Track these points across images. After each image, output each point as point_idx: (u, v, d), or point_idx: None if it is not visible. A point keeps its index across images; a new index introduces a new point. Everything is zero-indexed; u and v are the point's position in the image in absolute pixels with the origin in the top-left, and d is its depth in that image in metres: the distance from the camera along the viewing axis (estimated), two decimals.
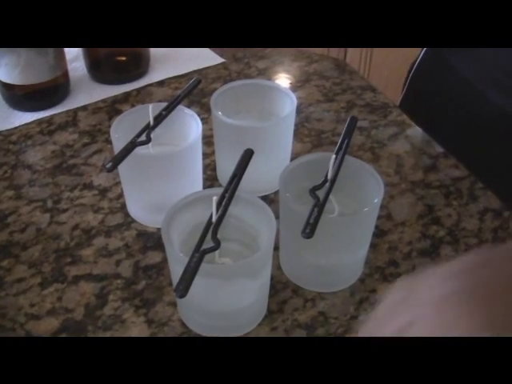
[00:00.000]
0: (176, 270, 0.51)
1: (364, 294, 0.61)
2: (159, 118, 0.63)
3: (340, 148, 0.58)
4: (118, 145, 0.60)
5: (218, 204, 0.52)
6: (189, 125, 0.65)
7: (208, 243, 0.50)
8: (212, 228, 0.50)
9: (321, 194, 0.54)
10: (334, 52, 1.93)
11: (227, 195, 0.53)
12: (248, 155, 0.57)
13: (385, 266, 0.63)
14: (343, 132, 0.60)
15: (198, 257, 0.47)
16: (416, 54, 1.00)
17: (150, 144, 0.62)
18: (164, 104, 0.65)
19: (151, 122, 0.62)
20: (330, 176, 0.56)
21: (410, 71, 0.99)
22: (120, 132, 0.63)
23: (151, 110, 0.62)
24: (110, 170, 0.57)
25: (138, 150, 0.60)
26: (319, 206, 0.52)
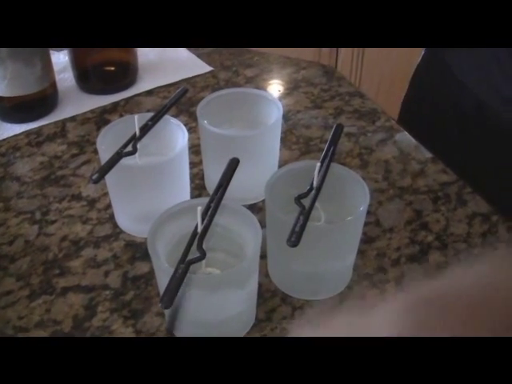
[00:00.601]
0: (162, 281, 0.51)
1: (352, 301, 0.60)
2: (145, 129, 0.63)
3: (326, 156, 0.58)
4: (105, 156, 0.60)
5: (204, 214, 0.52)
6: (175, 134, 0.65)
7: (194, 253, 0.50)
8: (197, 238, 0.50)
9: (306, 202, 0.54)
10: (326, 57, 1.93)
11: (213, 205, 0.53)
12: (234, 164, 0.57)
13: (373, 273, 0.63)
14: (329, 139, 0.61)
15: (183, 268, 0.47)
16: (407, 59, 1.00)
17: (136, 154, 0.62)
18: (150, 114, 0.65)
19: (137, 133, 0.62)
20: (315, 184, 0.56)
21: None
22: (106, 143, 0.63)
23: (137, 120, 0.62)
24: (95, 182, 0.57)
25: (125, 160, 0.60)
26: (305, 215, 0.52)
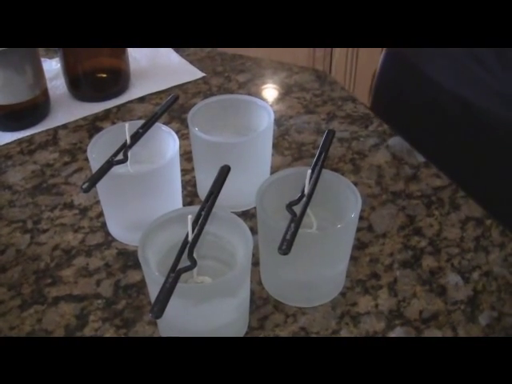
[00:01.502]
0: (153, 290, 0.51)
1: (345, 307, 0.60)
2: (136, 136, 0.63)
3: (317, 162, 0.58)
4: (96, 164, 0.60)
5: (195, 222, 0.52)
6: (166, 142, 0.65)
7: (185, 262, 0.49)
8: (188, 247, 0.50)
9: (298, 209, 0.54)
10: (320, 61, 1.93)
11: (203, 213, 0.52)
12: (224, 172, 0.57)
13: (366, 279, 0.63)
14: (320, 146, 0.60)
15: (173, 277, 0.47)
16: None
17: (127, 162, 0.61)
18: (141, 122, 0.65)
19: (128, 141, 0.62)
20: (306, 191, 0.55)
21: (372, 80, 1.00)
22: (97, 151, 0.63)
23: (128, 128, 0.61)
24: (86, 191, 0.56)
25: (116, 168, 0.60)
26: (296, 222, 0.52)
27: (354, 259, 0.64)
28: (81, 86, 0.90)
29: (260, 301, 0.61)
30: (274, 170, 0.73)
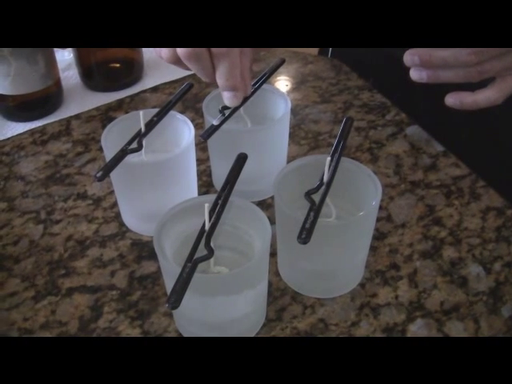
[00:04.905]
0: (169, 281, 0.50)
1: (365, 299, 0.59)
2: (151, 125, 0.61)
3: (335, 150, 0.57)
4: (110, 153, 0.59)
5: (211, 211, 0.50)
6: (181, 130, 0.64)
7: (202, 252, 0.48)
8: (205, 236, 0.49)
9: (317, 197, 0.53)
10: None
11: (220, 202, 0.51)
12: (241, 160, 0.55)
13: (385, 270, 0.62)
14: (339, 133, 0.59)
15: (190, 267, 0.46)
16: None
17: (142, 151, 0.60)
18: (156, 110, 0.63)
19: (142, 129, 0.61)
20: (325, 179, 0.54)
21: None
22: (111, 140, 0.62)
23: (142, 116, 0.60)
24: (100, 180, 0.55)
25: (130, 157, 0.58)
26: (315, 211, 0.50)
27: (373, 249, 0.63)
28: (94, 76, 0.89)
29: (277, 292, 0.60)
30: (291, 159, 0.72)
